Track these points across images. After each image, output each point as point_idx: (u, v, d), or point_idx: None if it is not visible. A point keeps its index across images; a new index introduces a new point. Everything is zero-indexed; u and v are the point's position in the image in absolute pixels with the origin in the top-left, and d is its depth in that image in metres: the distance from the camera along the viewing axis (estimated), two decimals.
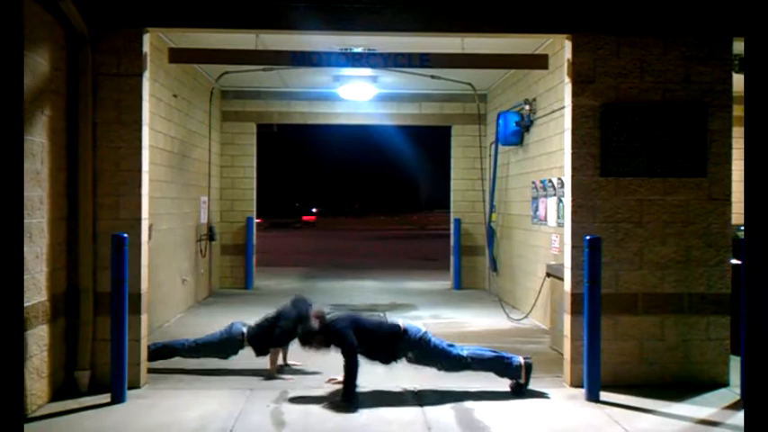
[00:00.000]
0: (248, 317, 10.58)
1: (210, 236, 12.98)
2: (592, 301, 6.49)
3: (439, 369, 6.72)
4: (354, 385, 6.36)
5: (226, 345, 7.40)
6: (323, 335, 6.55)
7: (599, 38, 6.92)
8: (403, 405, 6.34)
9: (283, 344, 7.35)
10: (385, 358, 6.69)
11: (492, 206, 13.17)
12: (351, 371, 6.34)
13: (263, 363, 7.31)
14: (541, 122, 10.34)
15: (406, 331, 6.66)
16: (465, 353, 6.70)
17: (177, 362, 7.44)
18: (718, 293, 6.98)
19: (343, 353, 6.41)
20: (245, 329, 7.42)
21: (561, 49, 7.94)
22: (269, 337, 7.24)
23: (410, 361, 6.72)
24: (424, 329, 6.78)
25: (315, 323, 6.63)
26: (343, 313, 7.02)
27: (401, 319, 7.00)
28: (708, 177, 6.99)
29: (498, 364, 6.73)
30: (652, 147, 6.98)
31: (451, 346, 6.77)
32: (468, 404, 6.36)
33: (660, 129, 6.99)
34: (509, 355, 6.83)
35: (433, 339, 6.71)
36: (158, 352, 7.36)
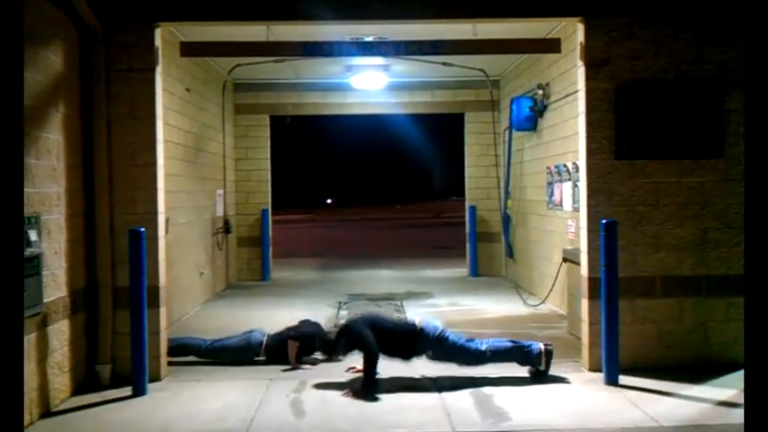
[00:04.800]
0: (266, 309, 10.70)
1: (227, 228, 13.03)
2: (609, 285, 6.47)
3: (459, 365, 6.68)
4: (374, 373, 6.39)
5: (242, 352, 7.38)
6: (343, 339, 6.61)
7: (611, 20, 6.87)
8: (422, 392, 6.36)
9: (301, 342, 7.32)
10: (404, 356, 6.68)
11: (507, 192, 13.13)
12: (370, 361, 6.37)
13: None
14: (555, 107, 10.28)
15: (422, 330, 6.64)
16: (484, 347, 6.68)
17: None
18: (737, 275, 6.93)
19: (362, 351, 6.44)
20: (264, 339, 7.42)
21: (574, 32, 7.87)
22: (286, 349, 7.28)
23: (430, 358, 6.70)
24: (441, 327, 6.75)
25: (331, 338, 6.74)
26: (361, 315, 7.02)
27: (417, 318, 6.99)
28: (724, 158, 6.94)
29: (518, 354, 6.72)
30: (667, 129, 6.93)
31: (470, 340, 6.75)
32: (487, 390, 6.37)
33: (675, 110, 6.93)
34: (528, 342, 6.82)
35: (450, 336, 6.68)
36: (174, 349, 7.35)
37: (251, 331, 7.58)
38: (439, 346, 6.61)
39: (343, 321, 6.94)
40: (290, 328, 7.52)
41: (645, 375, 6.62)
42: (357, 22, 7.60)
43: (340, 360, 6.98)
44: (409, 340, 6.61)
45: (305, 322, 7.68)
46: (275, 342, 7.36)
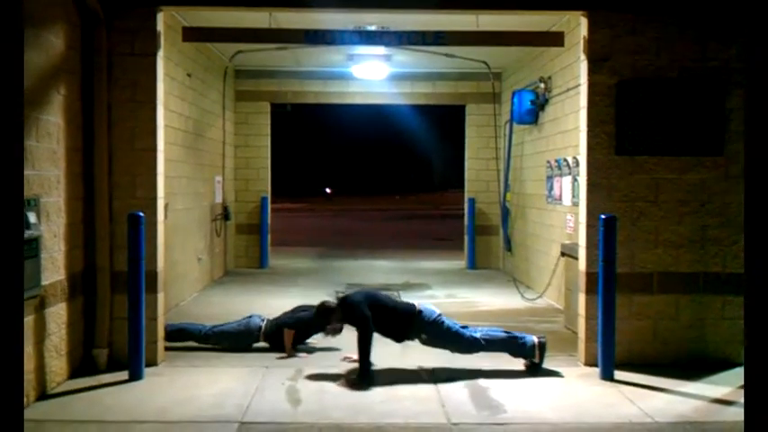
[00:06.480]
0: (263, 296, 10.72)
1: (225, 215, 13.03)
2: (606, 281, 6.48)
3: (452, 351, 6.74)
4: (369, 362, 6.40)
5: (241, 337, 7.41)
6: (340, 309, 6.61)
7: (615, 15, 6.85)
8: (417, 383, 6.37)
9: (297, 329, 7.34)
10: (398, 336, 6.73)
11: (506, 185, 13.13)
12: (364, 345, 6.37)
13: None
14: (556, 101, 10.27)
15: (420, 312, 6.68)
16: (478, 335, 6.71)
17: None
18: (734, 272, 6.94)
19: (356, 325, 6.44)
20: (263, 324, 7.44)
21: (577, 26, 7.86)
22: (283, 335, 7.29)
23: (423, 342, 6.74)
24: (438, 312, 6.79)
25: (331, 304, 6.73)
26: (360, 290, 7.01)
27: (417, 300, 7.00)
28: (724, 155, 6.94)
29: (512, 345, 6.74)
30: (668, 125, 6.93)
31: (464, 327, 6.78)
32: (482, 382, 6.39)
33: (676, 107, 6.93)
34: (522, 334, 6.85)
35: (446, 322, 6.72)
36: (174, 334, 7.39)
37: (250, 316, 7.61)
38: (434, 331, 6.65)
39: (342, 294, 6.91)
40: (286, 314, 7.54)
41: (640, 371, 6.63)
42: (360, 11, 7.59)
43: (340, 325, 6.86)
44: (406, 320, 6.65)
45: (301, 307, 7.67)
46: (273, 327, 7.39)
